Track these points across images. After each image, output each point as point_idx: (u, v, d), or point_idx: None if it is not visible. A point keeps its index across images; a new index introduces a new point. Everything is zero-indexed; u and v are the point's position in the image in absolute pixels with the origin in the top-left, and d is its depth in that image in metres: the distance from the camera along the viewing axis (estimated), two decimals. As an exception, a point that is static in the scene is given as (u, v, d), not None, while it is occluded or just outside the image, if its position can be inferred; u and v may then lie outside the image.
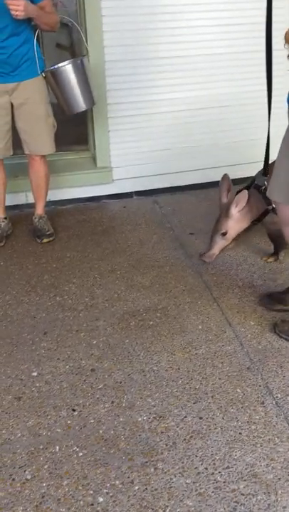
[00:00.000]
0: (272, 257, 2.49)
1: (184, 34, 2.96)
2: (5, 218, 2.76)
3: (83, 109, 2.56)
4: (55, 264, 2.53)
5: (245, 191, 2.15)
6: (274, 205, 2.02)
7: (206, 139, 3.23)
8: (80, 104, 2.50)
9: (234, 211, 2.17)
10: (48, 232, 2.73)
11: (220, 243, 2.22)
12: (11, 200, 2.89)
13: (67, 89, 2.45)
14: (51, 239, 2.72)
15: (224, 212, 2.20)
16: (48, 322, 2.09)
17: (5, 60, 2.31)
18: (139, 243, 2.70)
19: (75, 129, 3.38)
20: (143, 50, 2.93)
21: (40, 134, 2.53)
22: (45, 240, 2.71)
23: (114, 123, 3.06)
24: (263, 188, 2.11)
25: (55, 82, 2.44)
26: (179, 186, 3.32)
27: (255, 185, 2.20)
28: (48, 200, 2.80)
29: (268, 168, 2.13)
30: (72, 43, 4.54)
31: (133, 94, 3.00)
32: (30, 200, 2.88)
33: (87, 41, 2.82)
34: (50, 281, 2.38)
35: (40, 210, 2.78)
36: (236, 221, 2.19)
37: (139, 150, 3.16)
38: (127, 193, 3.25)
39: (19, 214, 2.98)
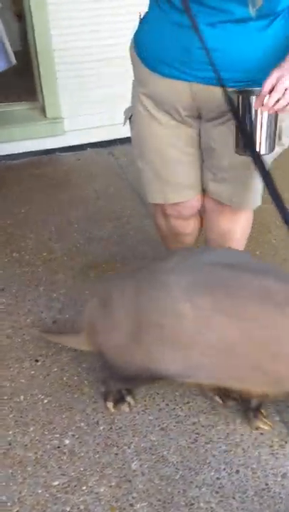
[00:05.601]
0: None
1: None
2: None
3: None
4: (9, 220, 2.46)
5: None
6: None
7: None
8: None
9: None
10: None
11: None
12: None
13: None
14: None
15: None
16: (6, 278, 2.06)
17: None
18: (95, 195, 2.66)
19: (21, 79, 3.21)
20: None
21: None
22: None
23: (63, 69, 2.91)
24: None
25: None
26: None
27: None
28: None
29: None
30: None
31: (81, 38, 2.85)
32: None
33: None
34: (4, 238, 2.32)
35: None
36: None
37: (91, 99, 3.04)
38: (80, 144, 3.15)
39: None
